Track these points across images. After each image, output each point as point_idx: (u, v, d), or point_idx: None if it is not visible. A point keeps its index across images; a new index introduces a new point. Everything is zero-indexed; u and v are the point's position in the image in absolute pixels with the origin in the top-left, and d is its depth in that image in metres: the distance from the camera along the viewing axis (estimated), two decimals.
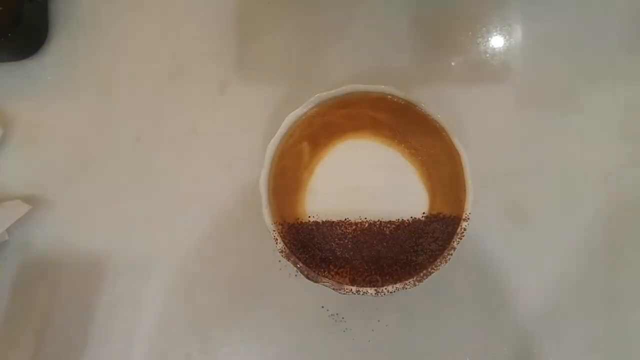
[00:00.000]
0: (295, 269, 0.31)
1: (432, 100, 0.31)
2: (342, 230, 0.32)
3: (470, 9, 0.36)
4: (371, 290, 0.31)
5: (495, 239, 0.35)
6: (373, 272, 0.32)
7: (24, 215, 0.35)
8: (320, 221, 0.32)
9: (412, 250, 0.31)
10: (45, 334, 0.36)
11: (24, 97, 0.38)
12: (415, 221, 0.31)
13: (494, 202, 0.35)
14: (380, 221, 0.32)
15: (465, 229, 0.31)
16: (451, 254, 0.30)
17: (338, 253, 0.32)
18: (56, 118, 0.37)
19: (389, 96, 0.31)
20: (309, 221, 0.32)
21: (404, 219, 0.31)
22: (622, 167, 0.35)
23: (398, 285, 0.30)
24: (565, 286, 0.35)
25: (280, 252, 0.31)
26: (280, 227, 0.32)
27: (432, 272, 0.30)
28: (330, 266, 0.32)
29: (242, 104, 0.37)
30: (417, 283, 0.30)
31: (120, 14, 0.38)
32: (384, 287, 0.31)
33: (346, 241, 0.32)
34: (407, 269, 0.31)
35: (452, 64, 0.36)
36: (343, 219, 0.32)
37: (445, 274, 0.30)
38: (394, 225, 0.31)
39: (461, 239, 0.31)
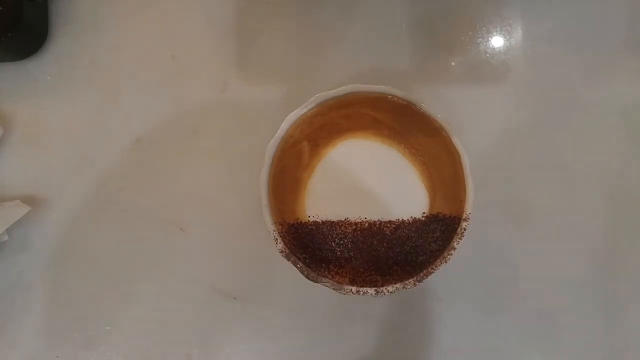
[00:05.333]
0: (295, 269, 0.31)
1: (432, 100, 0.31)
2: (342, 230, 0.32)
3: (470, 9, 0.36)
4: (371, 290, 0.31)
5: (496, 239, 0.35)
6: (373, 272, 0.32)
7: (23, 215, 0.35)
8: (320, 221, 0.32)
9: (412, 250, 0.31)
10: (45, 335, 0.36)
11: (24, 97, 0.37)
12: (415, 221, 0.31)
13: (494, 202, 0.35)
14: (380, 221, 0.32)
15: (465, 229, 0.31)
16: (451, 254, 0.30)
17: (338, 253, 0.32)
18: (56, 118, 0.37)
19: (389, 96, 0.31)
20: (309, 221, 0.32)
21: (404, 219, 0.31)
22: (622, 167, 0.35)
23: (398, 285, 0.30)
24: (565, 286, 0.35)
25: (280, 252, 0.31)
26: (280, 227, 0.32)
27: (432, 272, 0.30)
28: (330, 266, 0.32)
29: (242, 104, 0.37)
30: (417, 283, 0.30)
31: (121, 14, 0.38)
32: (384, 287, 0.31)
33: (346, 241, 0.32)
34: (407, 269, 0.31)
35: (452, 64, 0.36)
36: (343, 219, 0.32)
37: (445, 274, 0.30)
38: (394, 225, 0.31)
39: (461, 239, 0.31)
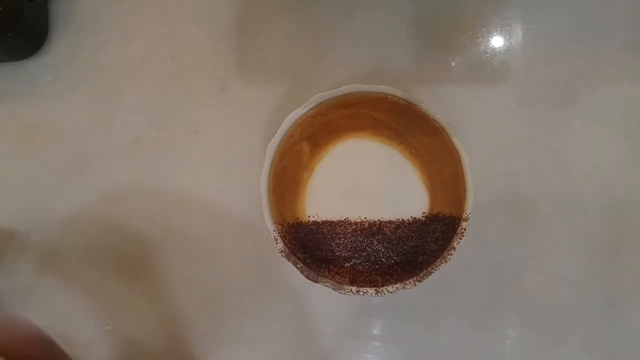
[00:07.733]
0: (295, 269, 0.31)
1: (432, 100, 0.31)
2: (342, 230, 0.32)
3: (470, 9, 0.36)
4: (371, 290, 0.31)
5: (495, 239, 0.35)
6: (373, 272, 0.32)
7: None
8: (320, 221, 0.32)
9: (412, 250, 0.32)
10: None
11: (24, 97, 0.37)
12: (415, 221, 0.31)
13: (494, 202, 0.35)
14: (380, 221, 0.32)
15: (465, 229, 0.31)
16: (451, 254, 0.30)
17: (338, 253, 0.32)
18: (56, 118, 0.37)
19: (389, 96, 0.31)
20: (309, 221, 0.32)
21: (404, 219, 0.31)
22: (622, 167, 0.35)
23: (398, 285, 0.31)
24: (565, 286, 0.35)
25: (280, 252, 0.31)
26: (280, 227, 0.32)
27: (432, 272, 0.30)
28: (330, 266, 0.32)
29: (242, 104, 0.37)
30: (417, 283, 0.30)
31: (121, 14, 0.38)
32: (384, 287, 0.31)
33: (346, 241, 0.32)
34: (407, 269, 0.31)
35: (452, 64, 0.36)
36: (343, 219, 0.32)
37: (445, 274, 0.30)
38: (394, 225, 0.31)
39: (461, 239, 0.31)
